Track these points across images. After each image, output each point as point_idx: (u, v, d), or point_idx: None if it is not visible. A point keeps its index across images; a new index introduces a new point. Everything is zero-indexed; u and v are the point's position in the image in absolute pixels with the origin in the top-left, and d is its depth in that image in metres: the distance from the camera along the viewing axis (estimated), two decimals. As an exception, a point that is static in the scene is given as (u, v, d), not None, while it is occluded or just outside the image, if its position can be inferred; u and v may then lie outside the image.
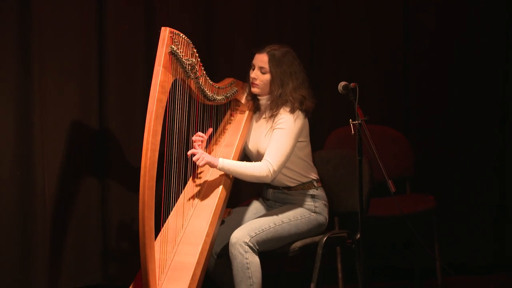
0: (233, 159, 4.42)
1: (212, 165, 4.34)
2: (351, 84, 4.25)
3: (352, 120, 4.21)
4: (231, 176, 4.41)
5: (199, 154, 4.32)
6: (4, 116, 5.10)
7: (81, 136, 5.23)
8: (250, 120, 4.59)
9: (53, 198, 5.16)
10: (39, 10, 5.10)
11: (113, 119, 5.29)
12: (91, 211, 5.27)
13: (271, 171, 4.33)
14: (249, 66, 4.52)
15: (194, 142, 4.39)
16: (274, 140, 4.37)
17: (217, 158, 4.34)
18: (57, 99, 5.18)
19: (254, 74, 4.47)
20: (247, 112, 4.59)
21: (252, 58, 4.49)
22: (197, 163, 4.33)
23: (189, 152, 4.32)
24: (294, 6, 5.63)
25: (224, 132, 4.59)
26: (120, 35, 5.29)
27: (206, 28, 5.39)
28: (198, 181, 4.44)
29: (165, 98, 4.00)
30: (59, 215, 5.19)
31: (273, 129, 4.40)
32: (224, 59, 5.42)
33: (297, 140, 4.41)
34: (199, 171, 4.48)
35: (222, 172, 4.40)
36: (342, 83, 4.26)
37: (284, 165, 4.38)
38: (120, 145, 5.29)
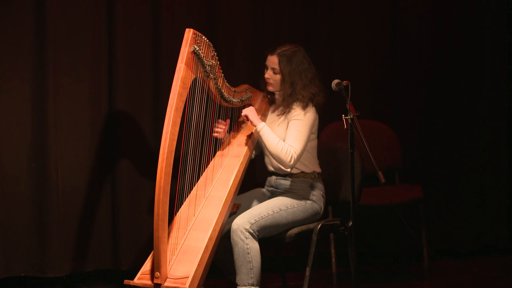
0: (244, 157, 4.47)
1: (253, 123, 4.44)
2: (344, 81, 4.29)
3: (345, 116, 4.25)
4: (241, 173, 4.45)
5: (251, 109, 4.45)
6: (21, 111, 5.14)
7: (92, 129, 5.26)
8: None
9: (66, 187, 5.19)
10: (53, 13, 5.13)
11: (122, 113, 5.31)
12: (101, 199, 5.29)
13: (294, 157, 4.38)
14: (264, 66, 4.56)
15: (218, 127, 4.46)
16: (293, 130, 4.43)
17: (260, 121, 4.44)
18: (70, 95, 5.21)
19: (268, 74, 4.53)
20: (259, 117, 4.63)
21: (265, 59, 4.53)
22: (243, 111, 4.45)
23: (243, 114, 4.47)
24: (290, 9, 5.65)
25: (238, 133, 4.63)
26: (129, 35, 5.31)
27: (208, 29, 5.41)
28: (211, 175, 4.47)
29: (185, 93, 4.06)
30: (72, 203, 5.22)
31: (289, 121, 4.46)
32: (226, 57, 5.44)
33: (311, 131, 4.46)
34: (212, 167, 4.51)
35: (234, 169, 4.44)
36: (335, 81, 4.29)
37: (302, 153, 4.43)
38: (128, 137, 5.31)
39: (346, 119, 4.25)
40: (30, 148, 5.15)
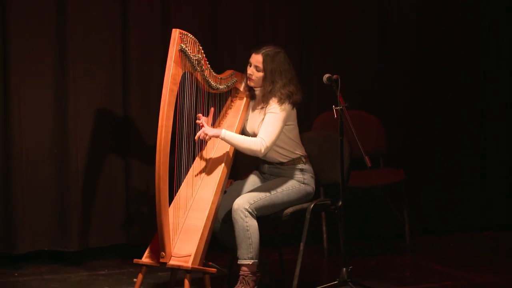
0: None
1: (216, 136, 4.33)
2: (334, 76, 4.28)
3: (335, 106, 4.25)
4: (231, 153, 4.42)
5: (202, 132, 4.31)
6: (45, 103, 5.14)
7: (107, 119, 5.25)
8: (247, 105, 4.58)
9: (84, 171, 5.19)
10: (73, 15, 5.12)
11: (134, 104, 5.30)
12: (115, 182, 5.29)
13: (264, 147, 4.33)
14: (247, 63, 4.51)
15: (199, 123, 4.40)
16: (266, 123, 4.38)
17: (220, 129, 4.34)
18: (88, 88, 5.20)
19: (250, 70, 4.47)
20: (245, 99, 4.58)
21: (249, 56, 4.48)
22: (204, 139, 4.34)
23: (196, 137, 4.32)
24: (287, 11, 5.63)
25: (226, 115, 4.59)
26: (140, 35, 5.30)
27: (211, 30, 5.41)
28: (204, 158, 4.46)
29: (176, 88, 4.05)
30: (89, 185, 5.22)
31: (266, 114, 4.41)
32: (228, 53, 5.43)
33: (284, 124, 4.40)
34: (205, 149, 4.50)
35: (225, 150, 4.41)
36: (326, 75, 4.29)
37: (274, 143, 4.38)
38: (139, 127, 5.31)
39: (336, 110, 4.26)
40: (52, 135, 5.15)
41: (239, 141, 4.36)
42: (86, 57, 5.19)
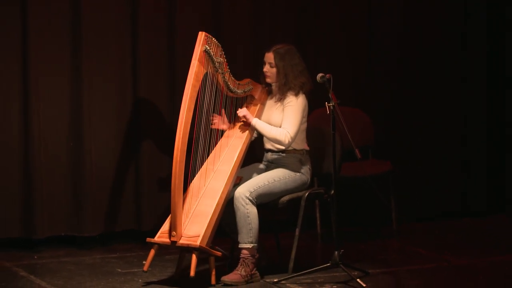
0: (246, 138, 4.53)
1: (248, 119, 4.49)
2: (327, 75, 4.33)
3: (328, 103, 4.30)
4: (242, 151, 4.49)
5: (244, 109, 4.49)
6: (61, 101, 5.18)
7: (119, 115, 5.29)
8: (261, 111, 4.65)
9: (97, 163, 5.23)
10: (86, 19, 5.17)
11: (144, 102, 5.33)
12: (127, 172, 5.32)
13: (289, 137, 4.43)
14: (262, 62, 4.59)
15: (213, 120, 4.49)
16: (287, 115, 4.47)
17: (253, 118, 4.50)
18: (101, 87, 5.24)
19: (266, 68, 4.56)
20: (259, 105, 4.65)
21: (263, 56, 4.57)
22: (238, 113, 4.49)
23: (238, 112, 4.52)
24: (284, 15, 5.67)
25: (241, 119, 4.66)
26: (149, 36, 5.33)
27: (214, 30, 5.40)
28: (218, 152, 4.52)
29: (198, 84, 4.15)
30: (102, 175, 5.26)
31: (285, 107, 4.49)
32: (227, 52, 5.44)
33: (303, 114, 4.50)
34: (219, 145, 4.56)
35: (237, 148, 4.49)
36: (320, 74, 4.34)
37: (297, 133, 4.47)
38: (149, 120, 5.34)
39: (328, 106, 4.31)
40: (68, 130, 5.18)
41: (267, 130, 4.48)
42: (99, 57, 5.23)
